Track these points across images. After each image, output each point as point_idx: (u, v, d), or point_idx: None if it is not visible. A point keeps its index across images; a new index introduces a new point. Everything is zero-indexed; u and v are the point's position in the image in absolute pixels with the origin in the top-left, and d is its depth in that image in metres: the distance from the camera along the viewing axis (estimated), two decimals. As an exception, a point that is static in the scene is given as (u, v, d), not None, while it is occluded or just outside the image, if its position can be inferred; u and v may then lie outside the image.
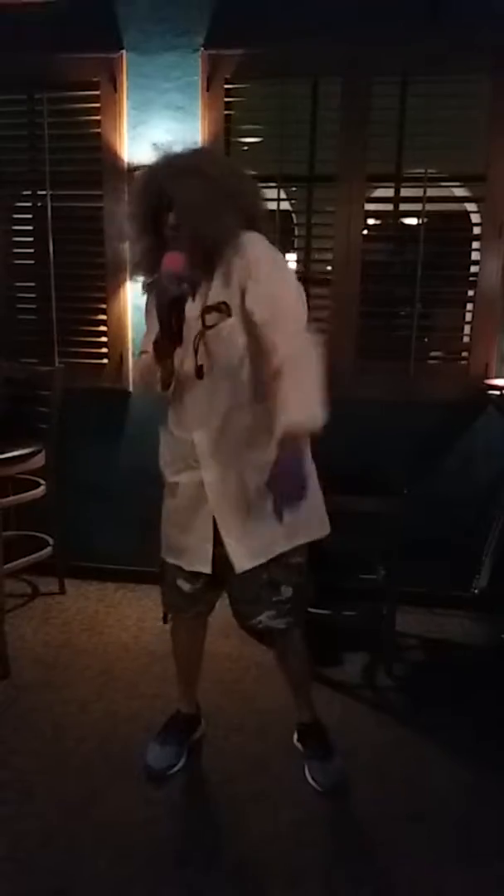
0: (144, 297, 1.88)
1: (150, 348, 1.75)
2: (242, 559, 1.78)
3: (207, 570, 1.81)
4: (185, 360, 1.74)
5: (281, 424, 1.56)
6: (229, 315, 1.69)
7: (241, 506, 1.77)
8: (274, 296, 1.65)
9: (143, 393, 1.80)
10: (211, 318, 1.69)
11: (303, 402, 1.56)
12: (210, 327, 1.69)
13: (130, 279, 3.01)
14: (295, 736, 2.11)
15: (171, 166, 1.68)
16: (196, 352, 1.70)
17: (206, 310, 1.69)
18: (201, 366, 1.70)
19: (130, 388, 3.11)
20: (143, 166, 1.79)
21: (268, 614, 1.86)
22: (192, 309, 1.70)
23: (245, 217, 1.70)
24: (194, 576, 1.88)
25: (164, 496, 1.93)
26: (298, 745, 2.09)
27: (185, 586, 1.91)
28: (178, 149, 1.71)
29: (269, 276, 1.67)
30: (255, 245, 1.69)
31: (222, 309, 1.69)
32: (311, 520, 1.83)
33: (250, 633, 1.96)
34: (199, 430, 1.76)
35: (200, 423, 1.75)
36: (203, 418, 1.75)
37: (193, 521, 1.82)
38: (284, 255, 1.85)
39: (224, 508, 1.77)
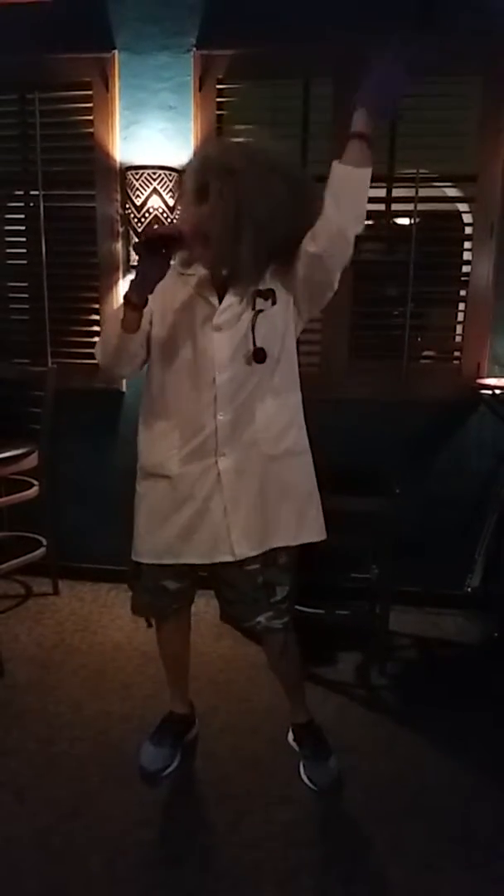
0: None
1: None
2: (244, 546, 1.77)
3: (231, 557, 1.77)
4: (207, 344, 1.72)
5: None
6: (274, 303, 1.71)
7: (254, 494, 1.77)
8: None
9: (101, 350, 1.74)
10: (260, 303, 1.70)
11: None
12: (260, 311, 1.70)
13: (123, 278, 3.02)
14: (290, 736, 2.12)
15: (253, 159, 1.63)
16: (254, 334, 1.70)
17: (257, 293, 1.70)
18: (261, 349, 1.70)
19: (124, 388, 3.11)
20: (217, 141, 1.78)
21: (266, 615, 1.86)
22: (235, 294, 1.70)
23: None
24: (184, 574, 1.87)
25: (146, 495, 1.85)
26: (294, 744, 2.10)
27: (172, 585, 1.88)
28: (257, 143, 1.72)
29: None
30: None
31: (269, 296, 1.71)
32: (316, 520, 1.86)
33: (245, 632, 1.97)
34: (224, 414, 1.73)
35: (225, 407, 1.72)
36: (228, 403, 1.72)
37: (205, 514, 1.77)
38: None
39: (238, 496, 1.76)
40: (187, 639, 2.11)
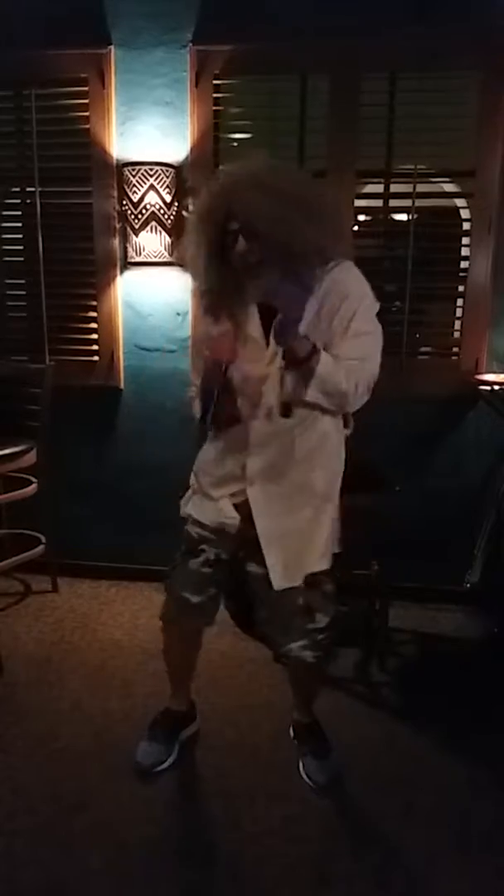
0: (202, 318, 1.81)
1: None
2: (281, 578, 1.79)
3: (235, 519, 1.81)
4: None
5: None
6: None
7: (285, 523, 1.80)
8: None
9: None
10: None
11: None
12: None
13: (121, 275, 3.01)
14: (291, 733, 2.12)
15: (232, 185, 1.57)
16: (281, 387, 1.67)
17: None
18: (287, 403, 1.68)
19: (121, 385, 3.11)
20: (200, 196, 1.65)
21: (300, 644, 1.82)
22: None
23: (331, 233, 1.61)
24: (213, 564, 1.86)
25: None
26: (294, 741, 2.10)
27: (204, 570, 1.87)
28: (232, 168, 1.65)
29: (358, 335, 1.71)
30: (353, 285, 1.69)
31: None
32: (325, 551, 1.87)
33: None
34: (258, 458, 1.76)
35: (257, 448, 1.76)
36: (261, 445, 1.76)
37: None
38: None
39: (270, 525, 1.78)
40: (198, 650, 2.09)
